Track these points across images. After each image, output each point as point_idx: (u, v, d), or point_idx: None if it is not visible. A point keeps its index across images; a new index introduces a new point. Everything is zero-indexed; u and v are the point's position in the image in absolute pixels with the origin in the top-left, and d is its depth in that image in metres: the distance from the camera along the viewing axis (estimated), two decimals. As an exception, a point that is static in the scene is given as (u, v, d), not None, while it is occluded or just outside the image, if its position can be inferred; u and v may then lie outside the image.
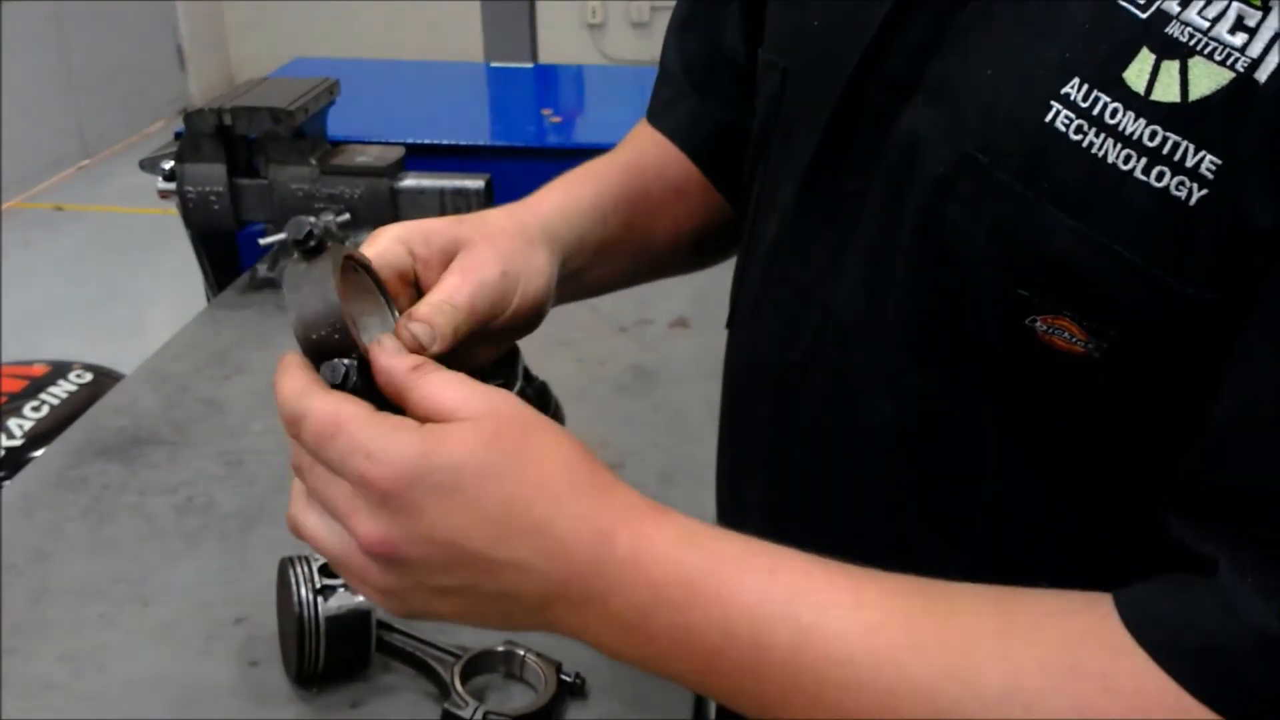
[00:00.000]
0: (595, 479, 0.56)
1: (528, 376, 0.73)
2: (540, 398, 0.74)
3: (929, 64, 0.59)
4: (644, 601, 0.54)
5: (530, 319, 0.71)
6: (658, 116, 0.89)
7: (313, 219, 0.58)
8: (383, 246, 0.66)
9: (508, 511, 0.54)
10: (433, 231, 0.68)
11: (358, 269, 0.63)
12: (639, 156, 0.86)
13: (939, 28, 0.59)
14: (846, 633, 0.52)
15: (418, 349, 0.61)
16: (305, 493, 0.57)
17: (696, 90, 0.86)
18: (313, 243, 0.58)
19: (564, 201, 0.78)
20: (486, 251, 0.68)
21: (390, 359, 0.57)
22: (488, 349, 0.72)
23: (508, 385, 0.69)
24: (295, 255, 0.58)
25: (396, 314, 0.64)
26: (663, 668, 0.55)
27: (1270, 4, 0.47)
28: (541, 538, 0.54)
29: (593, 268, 0.79)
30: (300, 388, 0.56)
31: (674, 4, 0.90)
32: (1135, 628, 0.49)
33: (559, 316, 0.76)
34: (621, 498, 0.56)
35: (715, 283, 0.81)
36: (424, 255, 0.67)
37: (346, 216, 1.59)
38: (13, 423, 1.98)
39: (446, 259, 0.68)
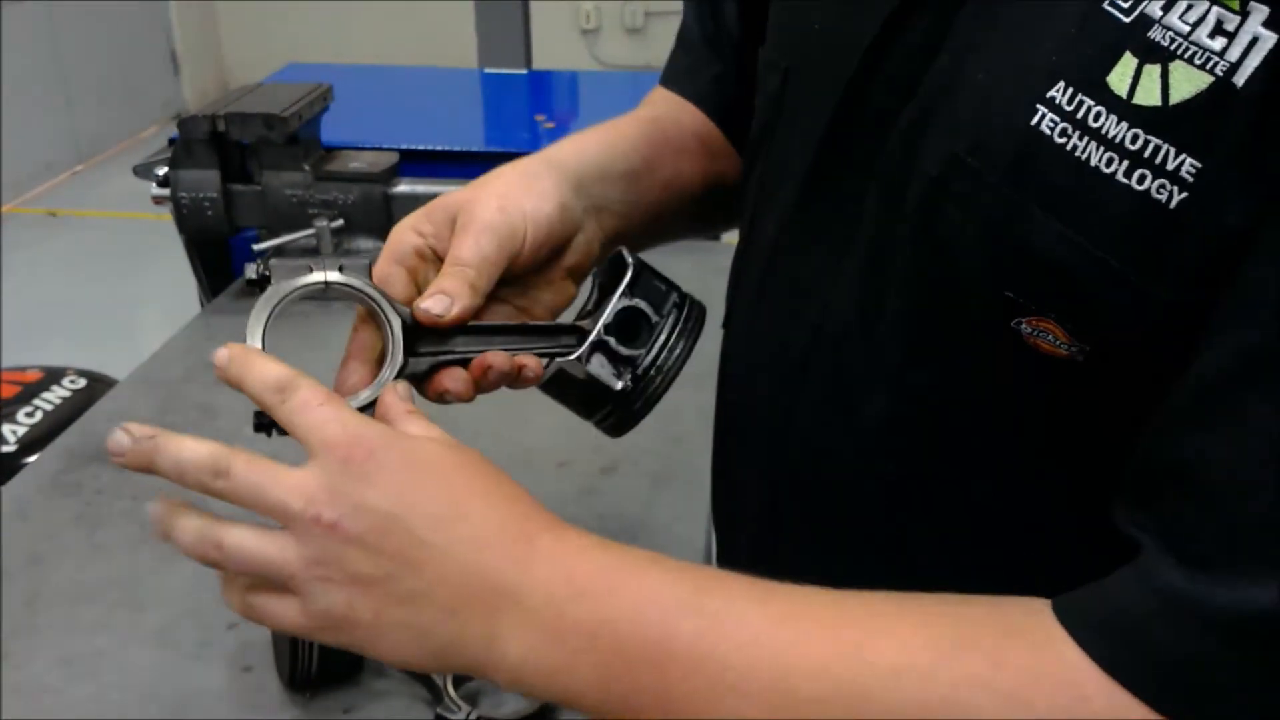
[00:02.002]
0: (525, 499, 0.59)
1: (641, 291, 0.70)
2: (654, 304, 0.70)
3: (928, 65, 0.60)
4: (560, 596, 0.55)
5: (561, 247, 0.73)
6: (676, 82, 0.90)
7: (257, 264, 0.65)
8: (394, 239, 0.70)
9: (448, 502, 0.57)
10: (435, 207, 0.71)
11: (330, 286, 0.65)
12: (651, 109, 0.88)
13: (939, 29, 0.59)
14: (751, 620, 0.54)
15: (437, 321, 0.65)
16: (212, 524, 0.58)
17: (719, 58, 0.88)
18: (255, 281, 0.66)
19: (571, 142, 0.80)
20: (480, 200, 0.70)
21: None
22: (551, 291, 0.74)
23: (608, 296, 0.70)
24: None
25: (390, 314, 0.66)
26: (567, 679, 0.55)
27: (1248, 8, 0.47)
28: (470, 529, 0.56)
29: (630, 199, 0.79)
30: (288, 372, 0.59)
31: (668, 9, 0.91)
32: (1058, 610, 0.51)
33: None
34: (547, 515, 0.59)
35: (707, 287, 0.81)
36: (432, 231, 0.70)
37: (340, 222, 1.60)
38: (6, 428, 1.98)
39: (452, 227, 0.70)
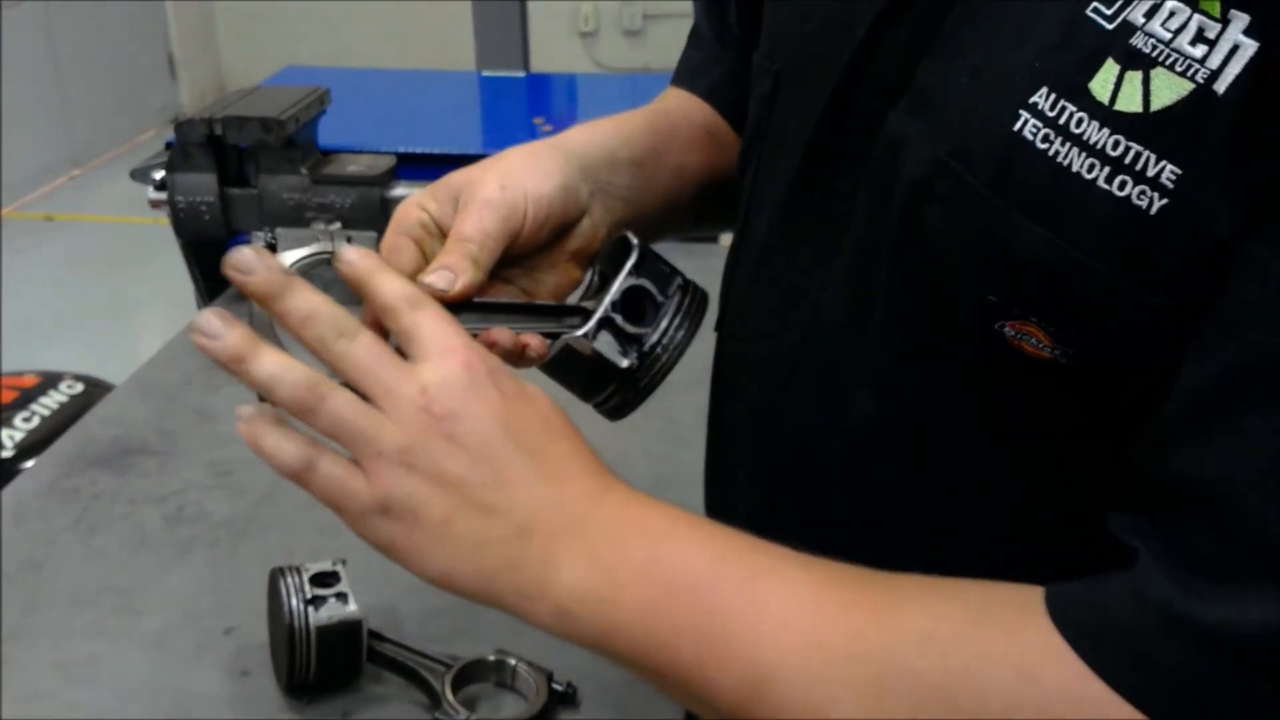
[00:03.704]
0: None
1: (646, 271, 0.70)
2: (659, 285, 0.70)
3: (916, 68, 0.60)
4: (621, 532, 0.58)
5: (565, 229, 0.74)
6: (687, 79, 0.90)
7: (265, 231, 0.65)
8: (400, 213, 0.71)
9: (546, 434, 0.60)
10: (439, 185, 0.72)
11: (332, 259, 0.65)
12: (662, 103, 0.88)
13: (927, 32, 0.59)
14: (795, 578, 0.57)
15: (442, 296, 0.65)
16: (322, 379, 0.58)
17: (728, 55, 0.89)
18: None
19: (581, 128, 0.80)
20: (483, 179, 0.71)
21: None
22: (556, 275, 0.75)
23: (612, 278, 0.70)
24: None
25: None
26: (613, 613, 0.57)
27: (1229, 16, 0.47)
28: (560, 463, 0.59)
29: (638, 186, 0.79)
30: (419, 289, 0.61)
31: (667, 11, 0.92)
32: (1049, 606, 0.51)
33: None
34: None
35: (705, 289, 0.81)
36: (436, 208, 0.71)
37: (338, 226, 1.59)
38: (4, 433, 1.98)
39: (456, 204, 0.71)
